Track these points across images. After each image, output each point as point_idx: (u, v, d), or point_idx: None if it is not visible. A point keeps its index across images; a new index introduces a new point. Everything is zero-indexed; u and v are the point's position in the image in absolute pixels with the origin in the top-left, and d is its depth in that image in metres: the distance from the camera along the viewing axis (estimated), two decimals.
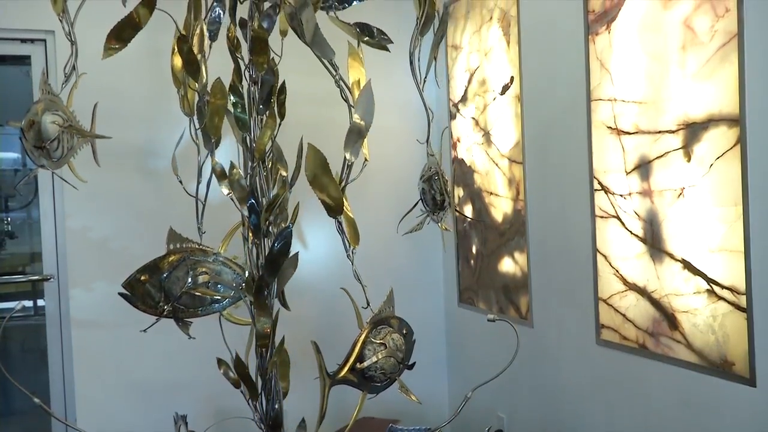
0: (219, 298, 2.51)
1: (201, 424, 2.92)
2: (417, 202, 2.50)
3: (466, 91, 3.62)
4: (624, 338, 2.58)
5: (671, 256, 2.33)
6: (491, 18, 3.36)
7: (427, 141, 2.49)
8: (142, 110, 3.44)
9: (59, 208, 3.43)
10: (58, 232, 3.45)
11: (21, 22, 3.32)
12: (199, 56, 2.43)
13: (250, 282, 2.60)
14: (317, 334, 3.76)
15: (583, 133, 2.73)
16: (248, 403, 2.64)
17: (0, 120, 3.77)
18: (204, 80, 2.50)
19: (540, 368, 3.11)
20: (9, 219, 4.01)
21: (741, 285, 2.07)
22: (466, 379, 3.85)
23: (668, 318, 2.36)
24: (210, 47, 2.54)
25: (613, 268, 2.61)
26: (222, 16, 2.63)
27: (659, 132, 2.36)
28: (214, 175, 2.57)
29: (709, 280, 2.19)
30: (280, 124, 2.65)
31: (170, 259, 2.44)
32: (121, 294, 2.38)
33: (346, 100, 2.40)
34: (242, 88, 2.63)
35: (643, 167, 2.44)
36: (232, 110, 2.64)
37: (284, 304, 2.55)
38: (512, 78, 3.21)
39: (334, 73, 2.37)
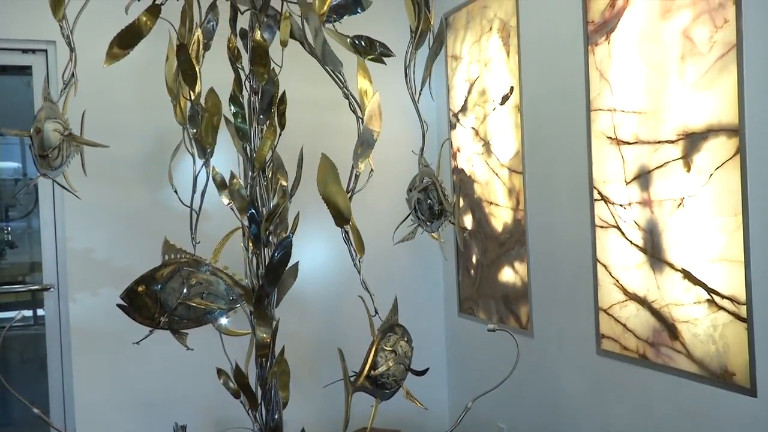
0: (214, 308, 2.50)
1: None
2: (410, 213, 2.50)
3: (466, 101, 3.63)
4: (624, 348, 2.57)
5: (671, 266, 2.33)
6: (491, 28, 3.37)
7: (421, 152, 2.50)
8: (140, 119, 3.45)
9: (59, 218, 3.43)
10: (58, 242, 3.45)
11: (22, 32, 3.33)
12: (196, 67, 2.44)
13: (250, 292, 2.60)
14: (317, 343, 3.77)
15: (582, 143, 2.73)
16: (248, 414, 2.64)
17: (6, 131, 3.77)
18: (198, 90, 2.51)
19: (540, 378, 3.11)
20: (9, 228, 4.01)
21: (741, 295, 2.07)
22: (467, 389, 3.84)
23: (668, 328, 2.36)
24: (203, 57, 2.55)
25: (613, 277, 2.61)
26: (215, 26, 2.65)
27: (659, 142, 2.37)
28: (209, 185, 2.57)
29: (709, 290, 2.19)
30: (280, 134, 2.65)
31: (165, 269, 2.43)
32: (119, 305, 2.38)
33: (354, 112, 2.41)
34: (242, 98, 2.64)
35: (643, 177, 2.44)
36: (232, 120, 2.65)
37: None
38: (512, 88, 3.22)
39: (342, 84, 2.38)
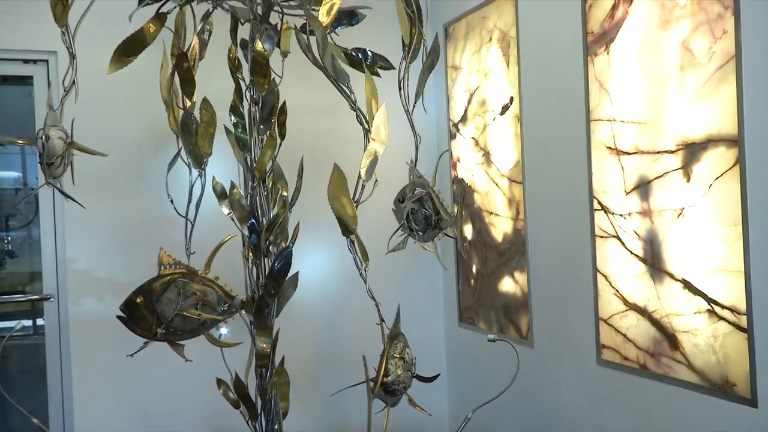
0: (208, 319, 2.49)
1: None
2: (401, 223, 2.51)
3: (466, 111, 3.64)
4: (625, 358, 2.57)
5: (671, 276, 2.33)
6: (491, 39, 3.38)
7: (414, 163, 2.51)
8: (137, 127, 3.45)
9: (60, 228, 3.43)
10: (58, 252, 3.45)
11: (24, 42, 3.34)
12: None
13: (250, 301, 2.60)
14: (317, 354, 3.77)
15: (582, 153, 2.73)
16: (248, 424, 2.63)
17: (1, 139, 3.78)
18: (194, 99, 2.53)
19: (541, 388, 3.10)
20: (9, 238, 4.01)
21: (741, 305, 2.07)
22: (467, 398, 3.83)
23: (669, 338, 2.36)
24: (197, 66, 2.57)
25: (613, 287, 2.61)
26: (210, 35, 2.66)
27: (658, 152, 2.37)
28: (210, 195, 2.57)
29: (709, 300, 2.19)
30: (280, 144, 2.66)
31: (161, 280, 2.43)
32: (119, 317, 2.38)
33: (361, 124, 2.42)
34: (243, 108, 2.65)
35: (643, 187, 2.44)
36: (232, 130, 2.65)
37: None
38: (512, 98, 3.22)
39: (349, 96, 2.39)
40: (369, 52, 2.56)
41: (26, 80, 3.47)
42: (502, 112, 3.30)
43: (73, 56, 2.24)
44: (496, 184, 3.38)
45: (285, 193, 2.68)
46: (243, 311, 2.59)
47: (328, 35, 2.42)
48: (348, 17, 2.69)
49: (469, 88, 3.59)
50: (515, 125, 3.20)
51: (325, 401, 3.71)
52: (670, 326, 2.35)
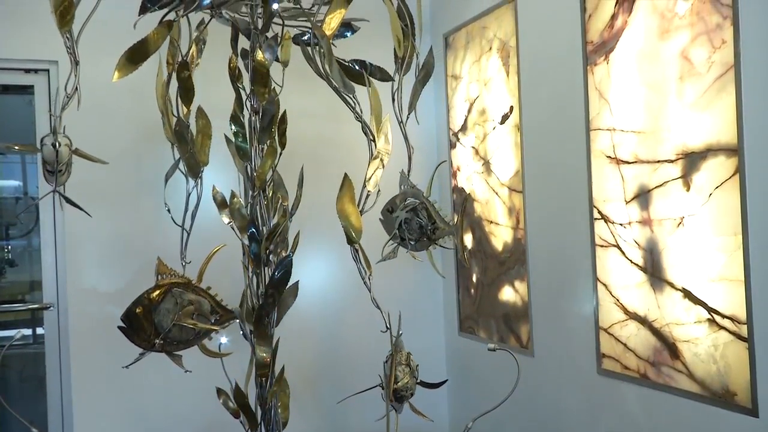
0: (204, 329, 2.49)
1: None
2: (393, 233, 2.52)
3: (465, 120, 3.64)
4: (625, 368, 2.57)
5: (671, 285, 2.33)
6: (491, 48, 3.39)
7: (408, 173, 2.52)
8: (137, 136, 3.45)
9: (60, 237, 3.43)
10: (58, 261, 3.45)
11: (25, 52, 3.35)
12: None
13: (250, 311, 2.60)
14: (317, 363, 3.76)
15: (582, 162, 2.74)
16: None
17: (1, 149, 3.78)
18: (191, 107, 2.54)
19: (541, 398, 3.10)
20: (9, 247, 4.01)
21: (742, 314, 2.07)
22: (467, 408, 3.82)
23: (669, 347, 2.36)
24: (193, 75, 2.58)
25: (613, 297, 2.61)
26: (204, 44, 2.67)
27: (658, 161, 2.38)
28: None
29: (709, 310, 2.19)
30: (280, 154, 2.66)
31: (159, 290, 2.43)
32: (120, 327, 2.38)
33: (366, 135, 2.44)
34: (243, 117, 2.65)
35: (643, 196, 2.45)
36: (233, 139, 2.66)
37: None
38: (512, 107, 3.23)
39: (354, 106, 2.41)
40: (369, 64, 2.57)
41: (27, 89, 3.48)
42: (502, 122, 3.30)
43: (76, 63, 2.24)
44: (496, 193, 3.38)
45: (285, 203, 2.69)
46: (243, 320, 2.59)
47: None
48: (344, 29, 2.71)
49: (469, 98, 3.60)
50: (515, 134, 3.20)
51: (325, 411, 3.71)
52: (670, 335, 2.35)
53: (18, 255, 3.99)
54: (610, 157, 2.60)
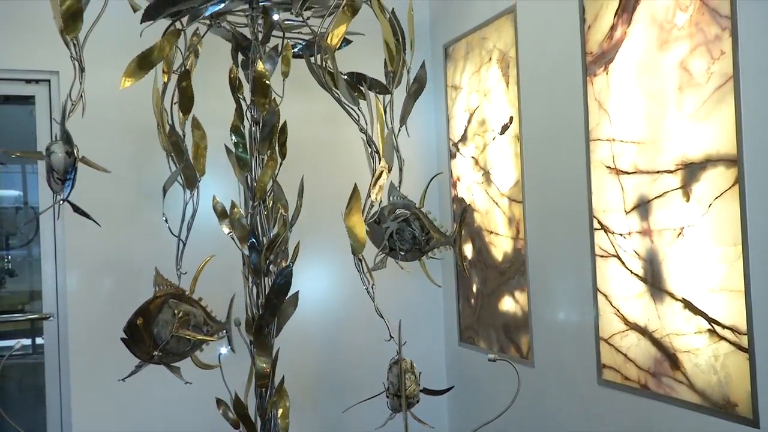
0: (199, 340, 2.48)
1: None
2: (383, 243, 2.53)
3: (465, 130, 3.65)
4: (626, 378, 2.56)
5: (672, 296, 2.33)
6: (490, 59, 3.40)
7: (399, 185, 2.54)
8: (138, 145, 3.46)
9: (60, 247, 3.43)
10: (58, 271, 3.44)
11: (26, 62, 3.36)
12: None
13: (250, 321, 2.60)
14: (317, 373, 3.75)
15: (582, 172, 2.74)
16: None
17: (2, 158, 3.78)
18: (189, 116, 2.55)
19: (541, 408, 3.09)
20: (9, 257, 4.01)
21: (742, 325, 2.07)
22: (467, 418, 3.81)
23: (670, 358, 2.36)
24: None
25: (613, 307, 2.61)
26: (198, 53, 2.68)
27: (658, 172, 2.38)
28: (195, 215, 2.57)
29: (710, 320, 2.19)
30: (281, 164, 2.67)
31: (156, 301, 2.43)
32: (123, 339, 2.38)
33: (370, 146, 2.45)
34: (244, 128, 2.66)
35: (643, 207, 2.45)
36: (233, 150, 2.66)
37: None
38: (511, 118, 3.24)
39: (358, 119, 2.43)
40: (368, 77, 2.58)
41: (28, 100, 3.49)
42: (502, 132, 3.31)
43: (81, 69, 2.23)
44: (496, 204, 3.38)
45: (285, 213, 2.69)
46: (243, 330, 2.59)
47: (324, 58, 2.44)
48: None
49: (469, 108, 3.61)
50: (515, 145, 3.21)
51: (325, 421, 3.70)
52: (670, 346, 2.35)
53: (18, 265, 3.98)
54: (609, 167, 2.60)
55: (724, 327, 2.14)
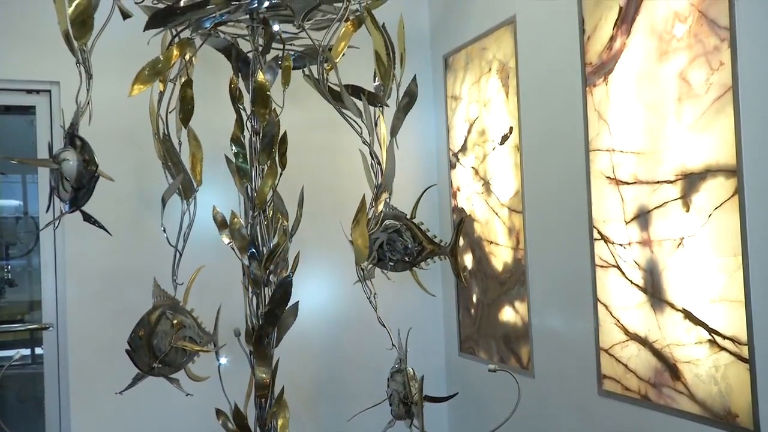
0: (195, 352, 2.47)
1: None
2: (374, 252, 2.53)
3: (465, 140, 3.66)
4: (626, 389, 2.56)
5: (672, 306, 2.33)
6: (490, 69, 3.41)
7: (390, 195, 2.54)
8: (140, 155, 3.46)
9: (60, 257, 3.42)
10: (58, 281, 3.44)
11: (27, 73, 3.36)
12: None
13: (250, 331, 2.60)
14: (317, 384, 3.75)
15: (582, 182, 2.74)
16: None
17: (2, 168, 3.79)
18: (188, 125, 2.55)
19: (541, 419, 3.08)
20: (9, 267, 4.01)
21: (743, 335, 2.07)
22: (467, 429, 3.80)
23: (670, 368, 2.35)
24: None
25: (614, 317, 2.61)
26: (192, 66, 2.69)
27: (657, 182, 2.38)
28: (192, 225, 2.57)
29: (710, 330, 2.18)
30: (281, 174, 2.67)
31: (155, 313, 2.43)
32: (127, 351, 2.38)
33: (373, 158, 2.46)
34: (244, 138, 2.66)
35: (642, 217, 2.45)
36: (233, 159, 2.67)
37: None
38: (511, 128, 3.24)
39: (360, 131, 2.44)
40: (366, 90, 2.58)
41: (28, 110, 3.49)
42: (502, 142, 3.31)
43: (90, 76, 2.21)
44: (496, 214, 3.38)
45: (285, 223, 2.69)
46: (243, 341, 2.59)
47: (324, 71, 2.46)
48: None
49: (469, 118, 3.62)
50: (515, 155, 3.21)
51: (324, 431, 3.69)
52: (671, 356, 2.34)
53: (18, 275, 3.98)
54: (609, 177, 2.61)
55: (724, 337, 2.14)
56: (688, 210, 2.25)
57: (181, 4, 2.32)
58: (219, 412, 2.66)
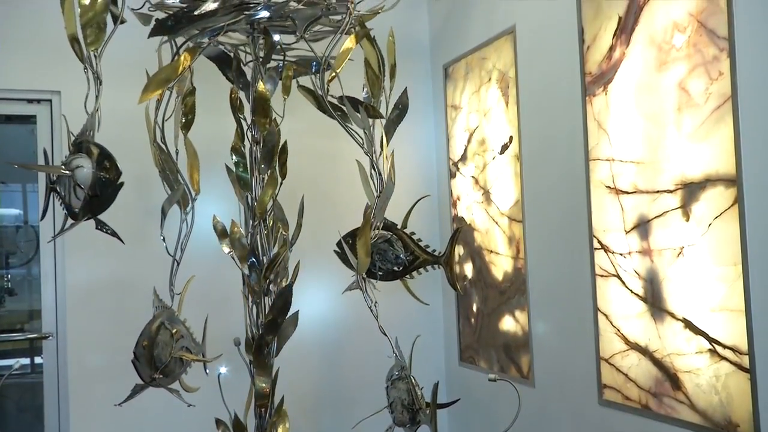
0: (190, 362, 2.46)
1: None
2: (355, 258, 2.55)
3: (465, 150, 3.66)
4: (627, 398, 2.55)
5: (672, 316, 2.33)
6: (490, 79, 3.41)
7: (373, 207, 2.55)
8: (140, 163, 3.46)
9: (60, 266, 3.42)
10: (58, 290, 3.44)
11: (28, 82, 3.37)
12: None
13: (250, 341, 2.59)
14: (317, 393, 3.74)
15: (582, 192, 2.75)
16: None
17: (3, 177, 3.79)
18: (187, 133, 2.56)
19: (542, 429, 3.07)
20: (9, 276, 4.00)
21: (743, 345, 2.07)
22: None
23: (671, 378, 2.35)
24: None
25: (614, 327, 2.60)
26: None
27: (657, 191, 2.38)
28: (190, 235, 2.57)
29: (710, 340, 2.18)
30: (281, 184, 2.67)
31: (155, 323, 2.43)
32: (133, 362, 2.38)
33: (375, 169, 2.47)
34: (244, 147, 2.67)
35: (642, 226, 2.45)
36: (233, 169, 2.67)
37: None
38: (511, 137, 3.25)
39: (362, 142, 2.44)
40: (364, 101, 2.59)
41: (29, 119, 3.50)
42: (502, 152, 3.32)
43: (100, 82, 2.20)
44: (496, 223, 3.39)
45: (285, 232, 2.69)
46: (243, 350, 2.59)
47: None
48: (318, 65, 2.75)
49: (469, 128, 3.62)
50: (515, 164, 3.22)
51: None
52: (671, 366, 2.34)
53: (18, 284, 3.98)
54: (609, 187, 2.61)
55: (725, 347, 2.13)
56: (688, 219, 2.26)
57: (184, 12, 2.33)
58: (219, 422, 2.65)
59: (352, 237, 2.56)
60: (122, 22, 2.23)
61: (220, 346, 2.54)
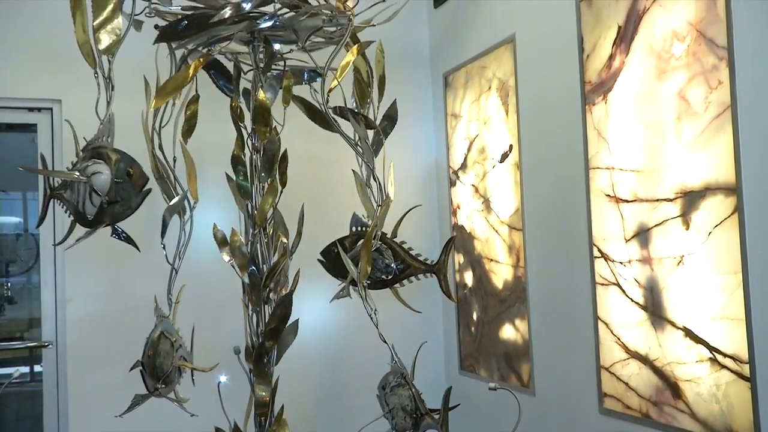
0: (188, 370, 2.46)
1: None
2: (350, 273, 2.54)
3: (465, 158, 3.67)
4: (627, 407, 2.55)
5: (672, 324, 2.33)
6: (490, 88, 3.42)
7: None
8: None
9: (60, 274, 3.42)
10: (58, 299, 3.43)
11: (28, 91, 3.38)
12: None
13: (249, 349, 2.59)
14: (317, 402, 3.73)
15: (582, 200, 2.75)
16: None
17: (3, 186, 3.79)
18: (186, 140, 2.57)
19: None
20: (9, 284, 4.00)
21: (744, 353, 2.06)
22: None
23: (671, 387, 2.34)
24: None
25: (614, 335, 2.60)
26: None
27: (657, 200, 2.39)
28: (188, 243, 2.57)
29: (711, 349, 2.18)
30: (281, 192, 2.67)
31: (156, 332, 2.42)
32: (141, 372, 2.38)
33: (375, 180, 2.48)
34: (244, 155, 2.67)
35: (642, 235, 2.45)
36: (233, 177, 2.67)
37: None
38: (511, 146, 3.25)
39: (363, 153, 2.45)
40: (360, 111, 2.60)
41: (30, 127, 3.50)
42: (502, 160, 3.32)
43: (112, 87, 2.19)
44: (496, 231, 3.39)
45: (285, 241, 2.69)
46: (243, 359, 2.58)
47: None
48: (315, 73, 2.76)
49: (469, 136, 3.63)
50: (515, 173, 3.22)
51: None
52: (672, 375, 2.34)
53: (17, 292, 3.97)
54: (609, 195, 2.61)
55: (725, 356, 2.13)
56: (688, 228, 2.26)
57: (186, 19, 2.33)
58: (219, 431, 2.65)
59: (337, 246, 2.57)
60: (136, 28, 2.24)
61: (220, 355, 2.54)
